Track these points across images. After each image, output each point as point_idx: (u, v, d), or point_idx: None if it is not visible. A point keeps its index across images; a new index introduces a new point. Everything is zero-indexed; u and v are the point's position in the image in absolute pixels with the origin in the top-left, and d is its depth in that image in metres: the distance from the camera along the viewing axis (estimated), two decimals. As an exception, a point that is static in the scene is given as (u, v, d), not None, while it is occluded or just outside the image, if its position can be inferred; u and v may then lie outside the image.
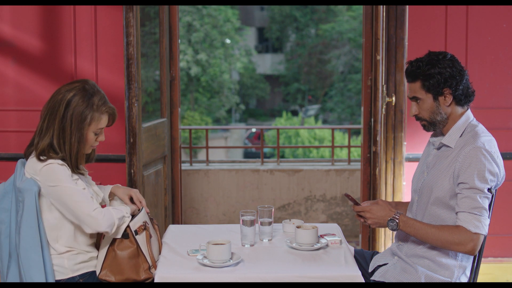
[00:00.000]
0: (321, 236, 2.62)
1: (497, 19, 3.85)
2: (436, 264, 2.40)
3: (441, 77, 2.38)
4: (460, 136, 2.42)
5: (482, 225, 2.27)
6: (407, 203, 2.76)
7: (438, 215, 2.39)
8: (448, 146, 2.44)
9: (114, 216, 2.35)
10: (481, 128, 2.43)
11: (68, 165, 2.40)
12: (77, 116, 2.38)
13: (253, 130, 20.79)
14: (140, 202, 2.56)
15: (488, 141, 2.37)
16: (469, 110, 2.48)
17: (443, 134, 2.49)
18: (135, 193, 2.58)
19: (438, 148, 2.49)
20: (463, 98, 2.43)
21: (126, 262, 2.38)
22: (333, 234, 2.66)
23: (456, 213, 2.32)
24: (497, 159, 2.35)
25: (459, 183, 2.33)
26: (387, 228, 2.58)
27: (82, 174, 2.50)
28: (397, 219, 2.36)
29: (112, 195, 2.63)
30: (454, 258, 2.41)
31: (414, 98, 2.45)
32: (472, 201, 2.28)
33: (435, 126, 2.46)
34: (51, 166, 2.34)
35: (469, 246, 2.27)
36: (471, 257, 2.44)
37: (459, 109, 2.45)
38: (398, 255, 2.49)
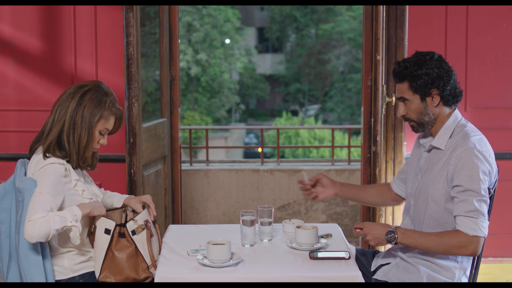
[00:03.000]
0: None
1: (497, 19, 3.85)
2: (437, 266, 2.40)
3: (428, 77, 2.36)
4: (450, 137, 2.40)
5: (480, 227, 2.26)
6: (353, 185, 2.81)
7: (437, 218, 2.39)
8: (438, 148, 2.42)
9: (53, 226, 2.23)
10: (470, 127, 2.42)
11: (72, 161, 2.40)
12: (89, 110, 2.39)
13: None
14: (149, 206, 2.54)
15: (479, 140, 2.36)
16: (456, 110, 2.46)
17: (432, 135, 2.48)
18: (146, 198, 2.55)
19: (429, 151, 2.47)
20: (451, 98, 2.41)
21: (125, 262, 2.37)
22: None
23: (454, 217, 2.32)
24: (489, 158, 2.34)
25: (454, 186, 2.31)
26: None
27: (87, 169, 2.50)
28: (395, 231, 2.34)
29: (125, 205, 2.61)
30: (455, 260, 2.40)
31: (402, 99, 2.44)
32: (468, 205, 2.27)
33: (423, 127, 2.44)
34: (49, 167, 2.33)
35: (470, 248, 2.27)
36: (471, 258, 2.44)
37: (446, 110, 2.43)
38: (400, 256, 2.49)
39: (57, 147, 2.38)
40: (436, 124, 2.44)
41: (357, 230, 2.43)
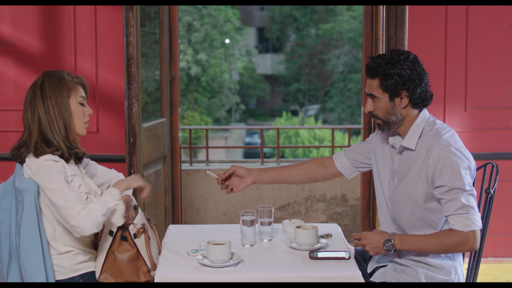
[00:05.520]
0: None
1: (497, 19, 3.85)
2: (432, 266, 2.40)
3: (400, 78, 2.34)
4: (420, 137, 2.39)
5: (472, 221, 2.26)
6: (273, 168, 2.79)
7: (422, 218, 2.38)
8: (409, 149, 2.41)
9: (98, 214, 2.27)
10: (439, 124, 2.41)
11: (64, 153, 2.39)
12: (54, 93, 2.38)
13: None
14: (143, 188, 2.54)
15: (451, 136, 2.35)
16: (424, 109, 2.44)
17: (399, 135, 2.47)
18: (136, 182, 2.54)
19: (400, 152, 2.45)
20: (420, 101, 2.39)
21: (125, 265, 2.37)
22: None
23: (446, 217, 2.32)
24: (465, 152, 2.34)
25: (436, 187, 2.30)
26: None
27: (80, 162, 2.49)
28: (392, 239, 2.33)
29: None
30: (448, 258, 2.41)
31: (371, 95, 2.42)
32: (455, 203, 2.27)
33: (389, 126, 2.43)
34: (47, 163, 2.32)
35: (469, 244, 2.27)
36: (461, 255, 2.45)
37: (414, 111, 2.42)
38: (394, 260, 2.48)
39: (44, 145, 2.37)
40: (403, 125, 2.42)
41: (355, 240, 2.42)
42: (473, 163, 2.36)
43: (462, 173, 2.27)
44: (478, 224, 2.27)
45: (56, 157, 2.36)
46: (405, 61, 2.35)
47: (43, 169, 2.32)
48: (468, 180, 2.29)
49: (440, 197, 2.30)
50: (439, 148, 2.31)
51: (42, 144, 2.37)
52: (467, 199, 2.27)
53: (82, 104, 2.45)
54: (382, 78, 2.36)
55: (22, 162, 2.41)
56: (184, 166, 5.94)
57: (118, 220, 2.35)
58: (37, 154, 2.35)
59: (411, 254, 2.41)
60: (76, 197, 2.30)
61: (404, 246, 2.33)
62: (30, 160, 2.36)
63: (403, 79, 2.34)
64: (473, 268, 2.48)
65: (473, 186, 2.36)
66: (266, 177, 2.76)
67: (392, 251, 2.33)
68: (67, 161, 2.41)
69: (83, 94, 2.47)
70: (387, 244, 2.33)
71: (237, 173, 2.71)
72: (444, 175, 2.28)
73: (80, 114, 2.44)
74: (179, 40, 4.17)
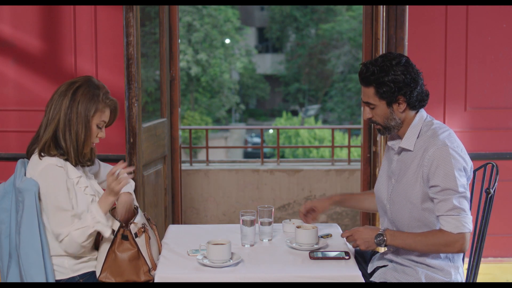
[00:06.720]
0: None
1: (497, 19, 3.85)
2: (432, 267, 2.40)
3: (395, 85, 2.33)
4: (418, 137, 2.39)
5: (462, 224, 2.26)
6: (357, 194, 2.80)
7: (419, 219, 2.38)
8: (407, 150, 2.41)
9: (79, 241, 2.35)
10: (437, 124, 2.41)
11: (70, 158, 2.40)
12: (83, 106, 2.39)
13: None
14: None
15: (448, 136, 2.35)
16: (422, 109, 2.44)
17: (399, 137, 2.47)
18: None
19: (399, 153, 2.46)
20: (417, 103, 2.39)
21: (126, 264, 2.37)
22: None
23: (437, 217, 2.32)
24: (461, 153, 2.33)
25: (430, 187, 2.31)
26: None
27: (87, 165, 2.50)
28: (383, 234, 2.34)
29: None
30: (448, 259, 2.41)
31: (367, 103, 2.41)
32: (447, 204, 2.27)
33: (389, 130, 2.43)
34: (49, 168, 2.33)
35: (457, 246, 2.27)
36: (461, 255, 2.46)
37: (412, 113, 2.42)
38: (394, 260, 2.48)
39: (53, 146, 2.38)
40: (403, 127, 2.43)
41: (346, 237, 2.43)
42: (469, 164, 2.35)
43: (456, 174, 2.27)
44: (468, 227, 2.27)
45: (61, 162, 2.37)
46: (398, 66, 2.34)
47: (46, 173, 2.34)
48: (461, 181, 2.28)
49: (433, 197, 2.31)
50: (434, 148, 2.31)
51: (51, 145, 2.38)
52: (459, 201, 2.27)
53: (99, 127, 2.45)
54: (377, 87, 2.36)
55: (29, 156, 2.43)
56: (184, 166, 5.94)
57: (106, 234, 2.38)
58: (41, 155, 2.36)
59: (411, 254, 2.41)
60: (69, 213, 2.35)
61: (394, 241, 2.34)
62: (36, 160, 2.37)
63: (398, 85, 2.34)
64: (473, 268, 2.48)
65: (473, 186, 2.36)
66: (344, 205, 2.80)
67: (383, 245, 2.34)
68: (74, 163, 2.42)
69: (106, 118, 2.47)
70: (378, 238, 2.33)
71: (315, 207, 2.72)
72: (438, 175, 2.28)
73: (93, 135, 2.45)
74: (179, 40, 4.17)
